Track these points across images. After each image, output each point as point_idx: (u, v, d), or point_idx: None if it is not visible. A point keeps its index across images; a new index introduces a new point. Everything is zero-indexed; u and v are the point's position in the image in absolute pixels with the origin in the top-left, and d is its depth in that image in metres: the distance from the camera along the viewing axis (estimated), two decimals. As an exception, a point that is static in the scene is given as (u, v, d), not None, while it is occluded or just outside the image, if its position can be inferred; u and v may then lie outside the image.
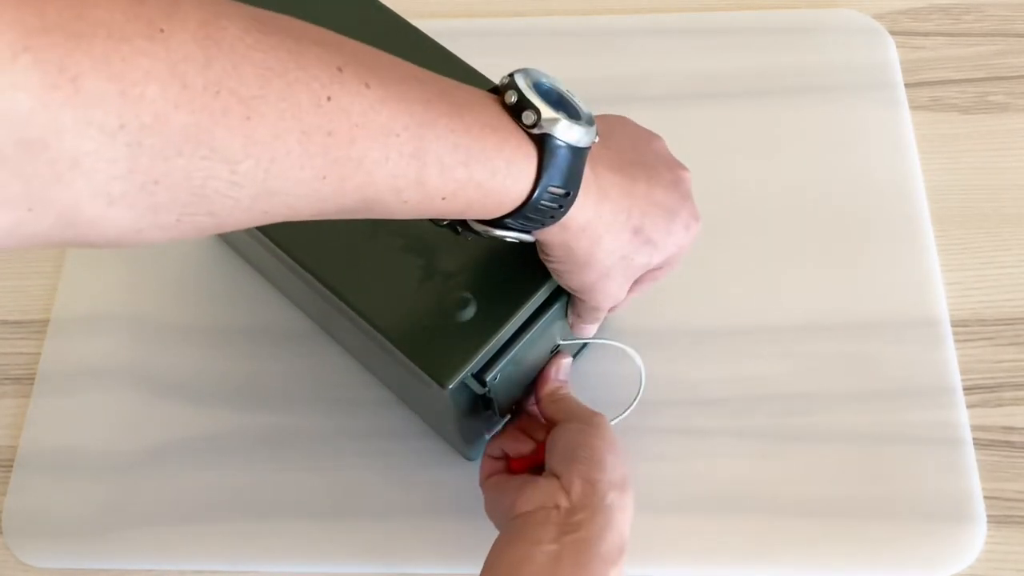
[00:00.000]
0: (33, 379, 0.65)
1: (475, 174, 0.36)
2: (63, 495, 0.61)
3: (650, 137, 0.48)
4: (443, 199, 0.36)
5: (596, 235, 0.43)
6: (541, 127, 0.38)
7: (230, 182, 0.29)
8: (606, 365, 0.62)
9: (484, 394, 0.50)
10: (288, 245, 0.50)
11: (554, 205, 0.39)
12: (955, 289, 0.64)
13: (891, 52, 0.73)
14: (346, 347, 0.63)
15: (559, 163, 0.38)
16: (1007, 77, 0.72)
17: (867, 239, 0.65)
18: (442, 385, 0.46)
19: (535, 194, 0.38)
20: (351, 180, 0.33)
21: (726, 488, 0.58)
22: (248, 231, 0.52)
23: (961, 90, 0.72)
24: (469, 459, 0.60)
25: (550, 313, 0.50)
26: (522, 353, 0.50)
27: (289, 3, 0.56)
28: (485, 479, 0.53)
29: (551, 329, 0.51)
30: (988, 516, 0.56)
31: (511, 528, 0.47)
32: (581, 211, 0.41)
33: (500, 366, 0.48)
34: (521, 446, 0.53)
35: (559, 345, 0.55)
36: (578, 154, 0.39)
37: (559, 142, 0.38)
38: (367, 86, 0.33)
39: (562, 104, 0.39)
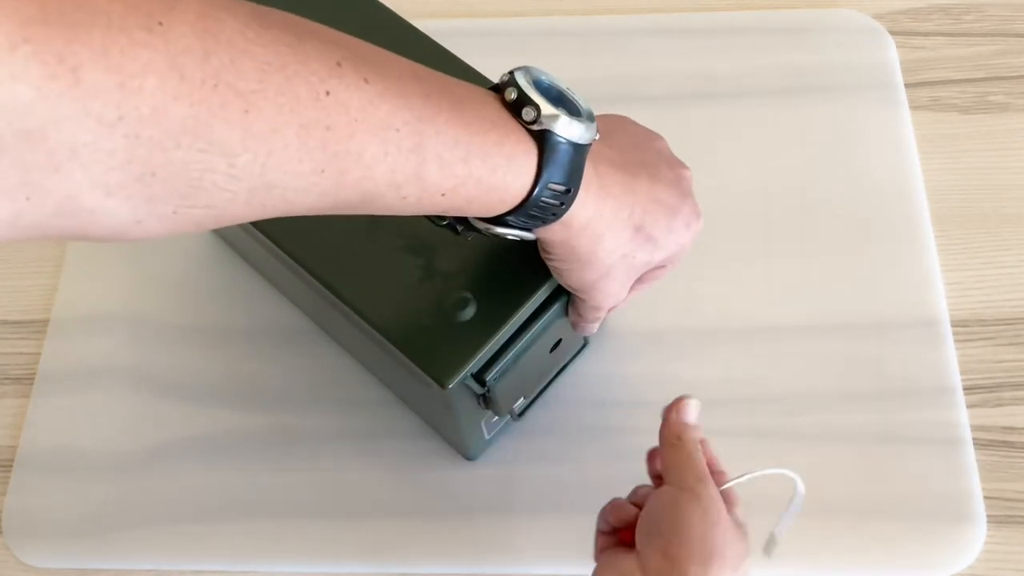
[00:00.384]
0: (33, 379, 0.65)
1: (475, 170, 0.36)
2: (63, 495, 0.61)
3: (652, 136, 0.48)
4: (443, 195, 0.36)
5: (597, 233, 0.42)
6: (541, 123, 0.38)
7: (228, 175, 0.30)
8: (607, 365, 0.62)
9: (484, 394, 0.50)
10: (288, 245, 0.50)
11: (555, 202, 0.39)
12: (955, 289, 0.64)
13: (891, 52, 0.73)
14: (346, 347, 0.63)
15: (560, 159, 0.38)
16: (1007, 77, 0.72)
17: (867, 239, 0.65)
18: (442, 385, 0.46)
19: (536, 191, 0.38)
20: (350, 174, 0.33)
21: (726, 488, 0.58)
22: (247, 230, 0.52)
23: (961, 90, 0.72)
24: (469, 459, 0.60)
25: (550, 313, 0.50)
26: (522, 353, 0.50)
27: (289, 2, 0.56)
28: (597, 555, 0.49)
29: (551, 329, 0.51)
30: (988, 516, 0.56)
31: None
32: (582, 209, 0.41)
33: (500, 366, 0.48)
34: (622, 513, 0.48)
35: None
36: (579, 150, 0.39)
37: (559, 138, 0.38)
38: (366, 81, 0.33)
39: (562, 101, 0.39)
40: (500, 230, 0.40)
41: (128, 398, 0.63)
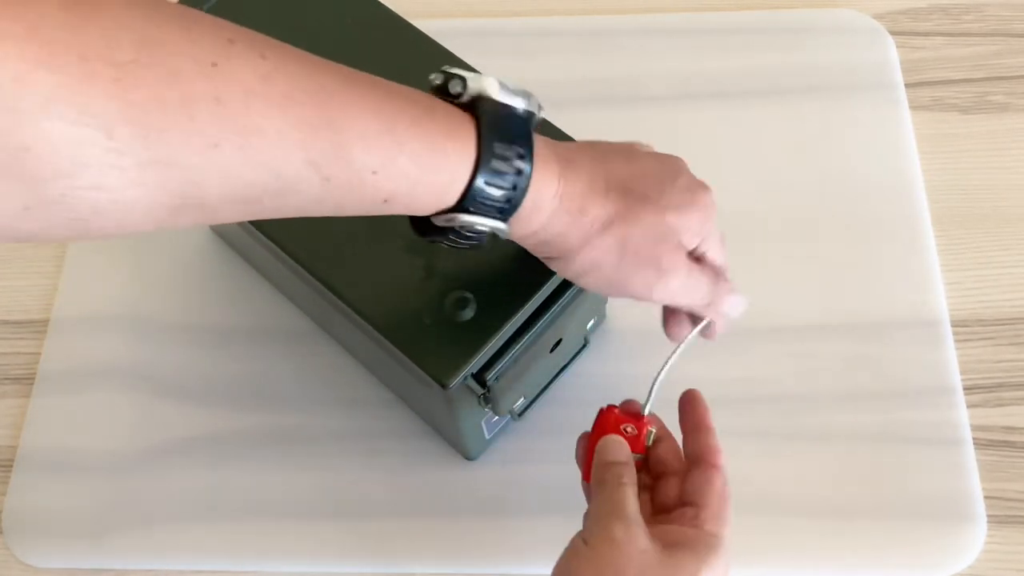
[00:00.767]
0: (33, 379, 0.65)
1: (405, 143, 0.34)
2: (63, 495, 0.61)
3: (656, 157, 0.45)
4: (374, 173, 0.34)
5: (576, 205, 0.39)
6: (470, 92, 0.36)
7: (107, 148, 0.28)
8: (607, 365, 0.62)
9: (484, 394, 0.50)
10: (289, 245, 0.50)
11: (510, 170, 0.37)
12: (955, 289, 0.64)
13: (891, 52, 0.73)
14: (346, 347, 0.63)
15: (499, 121, 0.36)
16: (1007, 77, 0.72)
17: (867, 239, 0.65)
18: (442, 385, 0.46)
19: (482, 156, 0.36)
20: (253, 150, 0.31)
21: (726, 488, 0.58)
22: (248, 230, 0.52)
23: (961, 90, 0.72)
24: (469, 459, 0.60)
25: (550, 313, 0.50)
26: (522, 353, 0.50)
27: (289, 2, 0.56)
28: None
29: (551, 329, 0.51)
30: (988, 516, 0.56)
31: None
32: (546, 181, 0.38)
33: (500, 366, 0.48)
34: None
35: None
36: (520, 117, 0.37)
37: (493, 100, 0.36)
38: (263, 57, 0.32)
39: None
40: (466, 218, 0.37)
41: (128, 398, 0.63)
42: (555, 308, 0.50)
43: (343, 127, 0.33)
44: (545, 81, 0.73)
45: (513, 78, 0.39)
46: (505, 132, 0.37)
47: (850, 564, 0.56)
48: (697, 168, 0.49)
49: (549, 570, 0.42)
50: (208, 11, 0.32)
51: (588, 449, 0.47)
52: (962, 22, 0.75)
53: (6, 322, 0.67)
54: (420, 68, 0.40)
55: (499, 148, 0.36)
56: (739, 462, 0.59)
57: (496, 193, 0.37)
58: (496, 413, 0.55)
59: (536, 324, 0.49)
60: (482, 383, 0.48)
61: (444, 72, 0.37)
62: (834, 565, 0.56)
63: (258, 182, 0.32)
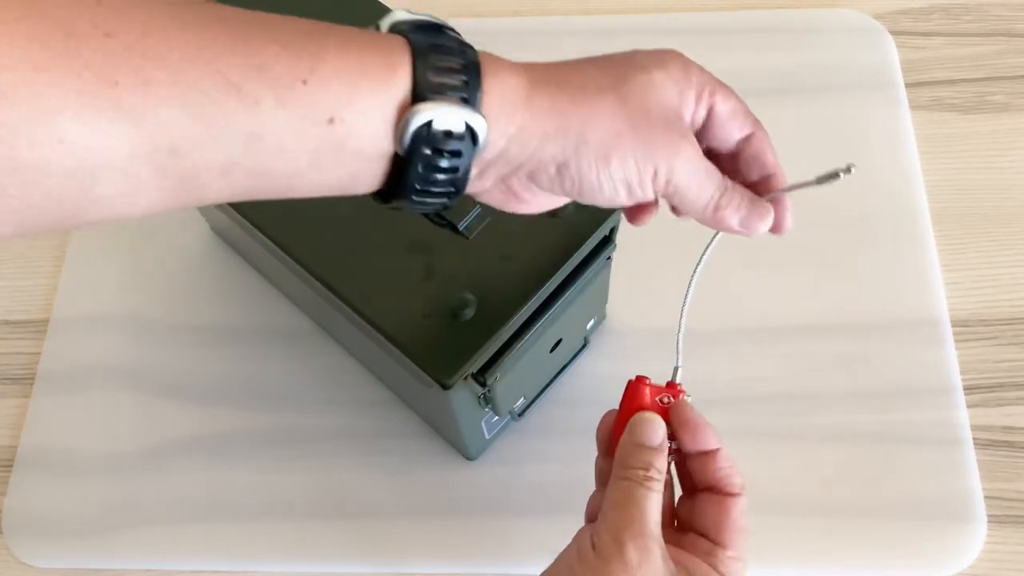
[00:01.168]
0: (33, 379, 0.65)
1: (328, 45, 0.31)
2: (63, 495, 0.61)
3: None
4: (304, 82, 0.30)
5: (554, 77, 0.35)
6: (390, 19, 0.33)
7: None
8: (607, 365, 0.62)
9: (484, 394, 0.50)
10: (289, 245, 0.50)
11: (452, 44, 0.33)
12: (955, 289, 0.64)
13: (891, 52, 0.73)
14: (346, 347, 0.63)
15: (435, 36, 0.33)
16: (1007, 77, 0.72)
17: (867, 239, 0.65)
18: (442, 385, 0.46)
19: (413, 39, 0.32)
20: (157, 83, 0.28)
21: (726, 488, 0.58)
22: (248, 230, 0.52)
23: (961, 90, 0.72)
24: (469, 459, 0.60)
25: (550, 313, 0.50)
26: (522, 353, 0.50)
27: (289, 2, 0.56)
28: None
29: (551, 329, 0.51)
30: (988, 516, 0.56)
31: None
32: (503, 65, 0.34)
33: (500, 366, 0.48)
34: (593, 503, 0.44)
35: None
36: (449, 32, 0.33)
37: (419, 18, 0.33)
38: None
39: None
40: (430, 109, 0.31)
41: (128, 398, 0.63)
42: (555, 308, 0.50)
43: (258, 39, 0.30)
44: (545, 81, 0.74)
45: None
46: (429, 25, 0.34)
47: (850, 564, 0.56)
48: (697, 168, 0.49)
49: (549, 570, 0.42)
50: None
51: (617, 424, 0.43)
52: (962, 22, 0.75)
53: (6, 322, 0.67)
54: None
55: (430, 33, 0.33)
56: (739, 462, 0.59)
57: (448, 62, 0.32)
58: (496, 413, 0.55)
59: (536, 324, 0.49)
60: (482, 383, 0.48)
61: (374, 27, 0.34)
62: (834, 565, 0.56)
63: (173, 123, 0.28)
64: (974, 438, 0.59)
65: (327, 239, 0.50)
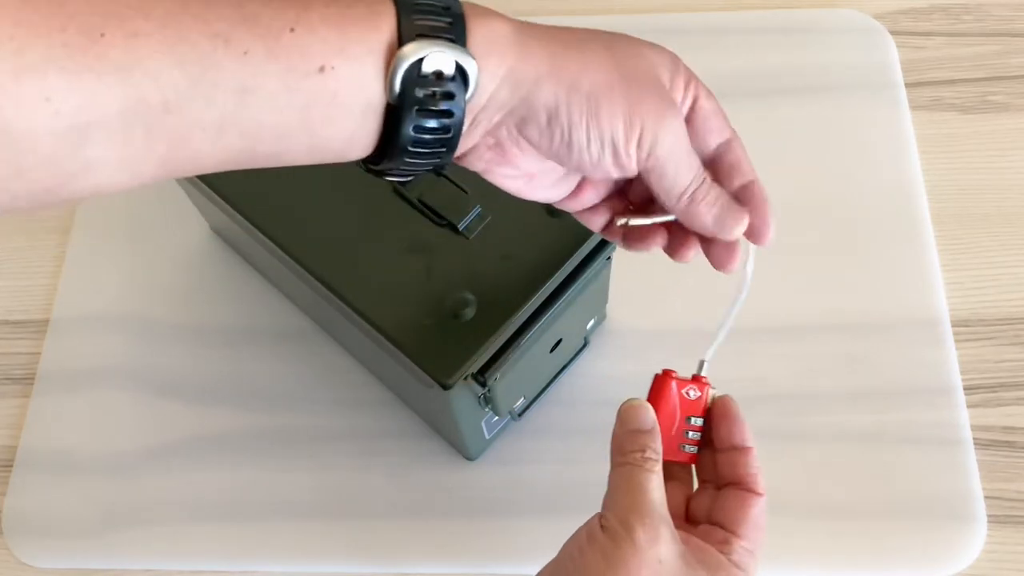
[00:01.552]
0: (33, 379, 0.65)
1: (316, 5, 0.30)
2: (63, 495, 0.61)
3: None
4: (292, 30, 0.30)
5: (541, 32, 0.35)
6: None
7: None
8: (607, 365, 0.62)
9: (484, 394, 0.50)
10: (289, 245, 0.50)
11: (439, 7, 0.32)
12: (955, 289, 0.64)
13: (891, 52, 0.73)
14: (346, 347, 0.63)
15: None
16: (1007, 77, 0.72)
17: (867, 239, 0.65)
18: (442, 385, 0.46)
19: (398, 1, 0.32)
20: (144, 35, 0.27)
21: (726, 488, 0.58)
22: (248, 230, 0.52)
23: (961, 90, 0.72)
24: (469, 459, 0.60)
25: (550, 313, 0.50)
26: (522, 353, 0.50)
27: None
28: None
29: (551, 329, 0.51)
30: (988, 516, 0.56)
31: None
32: (488, 14, 0.33)
33: (500, 366, 0.48)
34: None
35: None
36: None
37: None
38: None
39: None
40: (418, 48, 0.31)
41: (128, 398, 0.63)
42: (555, 308, 0.50)
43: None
44: (545, 81, 0.74)
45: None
46: None
47: (850, 564, 0.56)
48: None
49: (549, 570, 0.42)
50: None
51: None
52: (962, 22, 0.75)
53: (6, 322, 0.67)
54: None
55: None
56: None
57: (431, 6, 0.32)
58: (496, 413, 0.55)
59: (536, 324, 0.49)
60: (482, 383, 0.48)
61: None
62: (833, 565, 0.56)
63: (163, 77, 0.27)
64: (974, 438, 0.59)
65: (327, 239, 0.50)
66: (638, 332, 0.63)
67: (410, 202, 0.50)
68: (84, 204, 0.71)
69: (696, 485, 0.45)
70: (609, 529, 0.38)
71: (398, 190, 0.50)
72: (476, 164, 0.37)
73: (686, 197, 0.37)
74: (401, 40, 0.31)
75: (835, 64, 0.72)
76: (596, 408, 0.61)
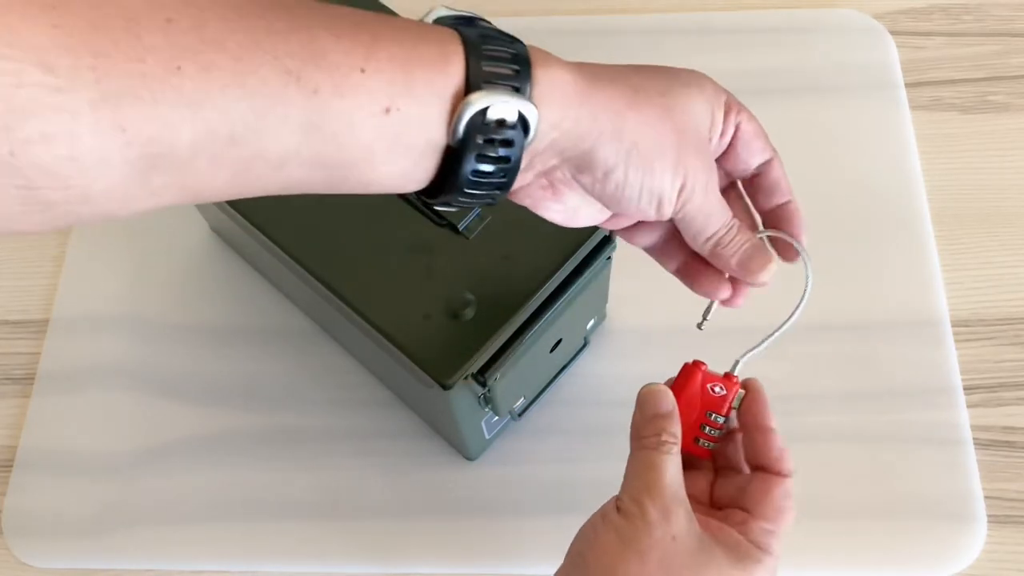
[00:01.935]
0: (33, 379, 0.65)
1: (381, 33, 0.31)
2: (63, 495, 0.61)
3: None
4: (362, 71, 0.30)
5: (599, 76, 0.35)
6: (434, 14, 0.34)
7: (51, 87, 0.25)
8: (607, 365, 0.62)
9: (484, 394, 0.50)
10: (289, 245, 0.50)
11: (501, 36, 0.33)
12: (955, 289, 0.64)
13: (891, 52, 0.73)
14: (346, 347, 0.63)
15: (484, 28, 0.33)
16: (1007, 77, 0.72)
17: (867, 239, 0.65)
18: (442, 385, 0.46)
19: (464, 32, 0.32)
20: (217, 68, 0.28)
21: (726, 488, 0.58)
22: (249, 230, 0.52)
23: (961, 90, 0.72)
24: (469, 459, 0.60)
25: (550, 313, 0.50)
26: (522, 353, 0.50)
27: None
28: None
29: (551, 329, 0.51)
30: (988, 516, 0.56)
31: None
32: (549, 58, 0.34)
33: (500, 366, 0.48)
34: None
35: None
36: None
37: (461, 12, 0.34)
38: None
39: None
40: (484, 98, 0.31)
41: (128, 398, 0.63)
42: (555, 308, 0.50)
43: (313, 27, 0.29)
44: (545, 81, 0.74)
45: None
46: (472, 18, 0.34)
47: (850, 564, 0.56)
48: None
49: (550, 570, 0.42)
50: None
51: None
52: (962, 22, 0.75)
53: (6, 322, 0.67)
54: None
55: (475, 26, 0.33)
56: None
57: (499, 53, 0.32)
58: (496, 413, 0.55)
59: (536, 324, 0.49)
60: (482, 383, 0.48)
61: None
62: (833, 565, 0.56)
63: (233, 110, 0.28)
64: (974, 438, 0.59)
65: (327, 239, 0.50)
66: (638, 332, 0.63)
67: (411, 202, 0.50)
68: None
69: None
70: (623, 509, 0.39)
71: (398, 190, 0.50)
72: (525, 200, 0.38)
73: (711, 243, 0.40)
74: (468, 87, 0.31)
75: (835, 64, 0.72)
76: (596, 408, 0.61)
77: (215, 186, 0.30)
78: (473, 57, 0.32)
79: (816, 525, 0.57)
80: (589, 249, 0.49)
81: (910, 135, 0.69)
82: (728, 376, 0.45)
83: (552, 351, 0.55)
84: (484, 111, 0.31)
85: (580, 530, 0.41)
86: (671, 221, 0.39)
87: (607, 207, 0.38)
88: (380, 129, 0.31)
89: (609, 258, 0.52)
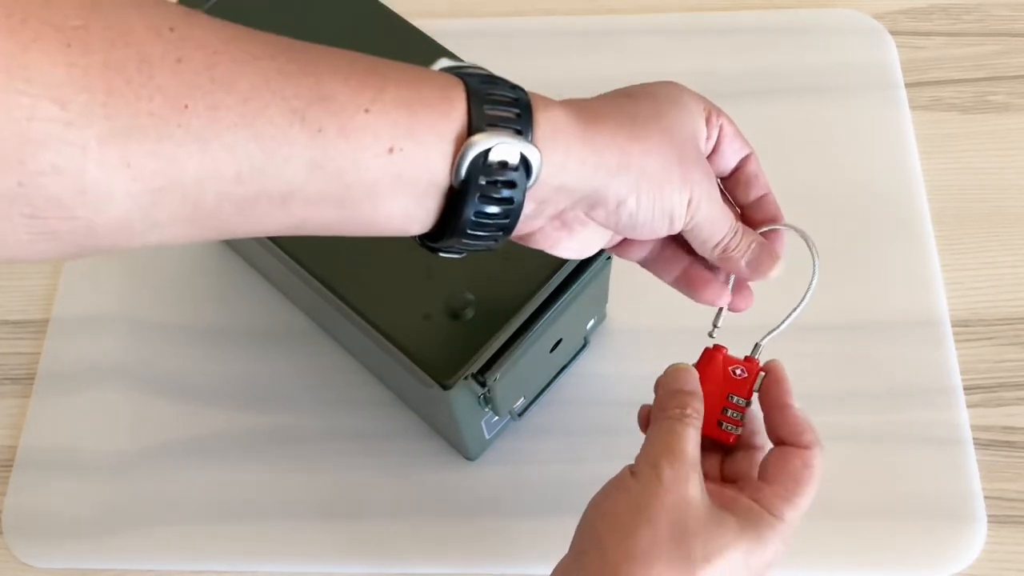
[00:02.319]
0: (33, 379, 0.65)
1: (389, 75, 0.32)
2: (63, 495, 0.61)
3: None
4: (367, 111, 0.31)
5: (609, 116, 0.36)
6: (438, 65, 0.35)
7: (64, 122, 0.26)
8: (607, 365, 0.62)
9: (484, 394, 0.50)
10: (289, 245, 0.50)
11: (503, 84, 0.34)
12: (955, 289, 0.64)
13: (891, 52, 0.73)
14: (346, 347, 0.63)
15: (486, 75, 0.34)
16: (1007, 77, 0.72)
17: (867, 239, 0.65)
18: (442, 385, 0.46)
19: (468, 80, 0.33)
20: (224, 108, 0.28)
21: (726, 488, 0.58)
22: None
23: (961, 90, 0.72)
24: (469, 459, 0.60)
25: (550, 313, 0.50)
26: (522, 353, 0.50)
27: (290, 3, 0.56)
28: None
29: (551, 329, 0.51)
30: (988, 516, 0.56)
31: None
32: (548, 103, 0.35)
33: (500, 366, 0.48)
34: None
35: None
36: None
37: (463, 63, 0.35)
38: (223, 25, 0.30)
39: None
40: (485, 140, 0.32)
41: (128, 398, 0.63)
42: (555, 308, 0.50)
43: (322, 71, 0.30)
44: (545, 81, 0.73)
45: (513, 78, 0.39)
46: (474, 68, 0.35)
47: (850, 564, 0.56)
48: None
49: (549, 570, 0.42)
50: (207, 11, 0.31)
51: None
52: (962, 22, 0.75)
53: (6, 322, 0.67)
54: (420, 68, 0.40)
55: (477, 74, 0.35)
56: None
57: (500, 98, 0.33)
58: (496, 413, 0.55)
59: (536, 324, 0.49)
60: (482, 383, 0.48)
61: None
62: (833, 565, 0.56)
63: (240, 148, 0.29)
64: (974, 438, 0.59)
65: (327, 239, 0.50)
66: (638, 332, 0.63)
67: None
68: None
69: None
70: (637, 473, 0.39)
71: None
72: (541, 243, 0.39)
73: (719, 248, 0.41)
74: (471, 129, 0.32)
75: (835, 64, 0.72)
76: (596, 408, 0.61)
77: (220, 223, 0.31)
78: (475, 101, 0.33)
79: (816, 525, 0.56)
80: (589, 249, 0.49)
81: (910, 135, 0.69)
82: (749, 359, 0.45)
83: (552, 351, 0.55)
84: (486, 153, 0.32)
85: (591, 501, 0.41)
86: None
87: (620, 234, 0.40)
88: (383, 169, 0.31)
89: (609, 258, 0.52)
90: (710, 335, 0.45)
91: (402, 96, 0.31)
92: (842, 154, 0.69)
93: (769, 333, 0.45)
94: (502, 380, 0.49)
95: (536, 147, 0.33)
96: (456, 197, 0.33)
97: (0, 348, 0.66)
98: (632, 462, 0.41)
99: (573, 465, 0.59)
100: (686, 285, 0.44)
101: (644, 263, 0.45)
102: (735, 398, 0.44)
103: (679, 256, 0.44)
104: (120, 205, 0.28)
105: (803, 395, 0.60)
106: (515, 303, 0.47)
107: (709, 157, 0.42)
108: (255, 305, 0.66)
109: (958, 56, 0.73)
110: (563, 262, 0.48)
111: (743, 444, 0.45)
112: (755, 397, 0.45)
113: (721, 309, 0.45)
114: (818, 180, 0.68)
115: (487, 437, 0.58)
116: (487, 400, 0.51)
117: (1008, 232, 0.66)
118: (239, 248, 0.67)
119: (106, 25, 0.27)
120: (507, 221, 0.34)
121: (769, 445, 0.43)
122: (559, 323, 0.51)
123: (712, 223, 0.40)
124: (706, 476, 0.41)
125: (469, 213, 0.33)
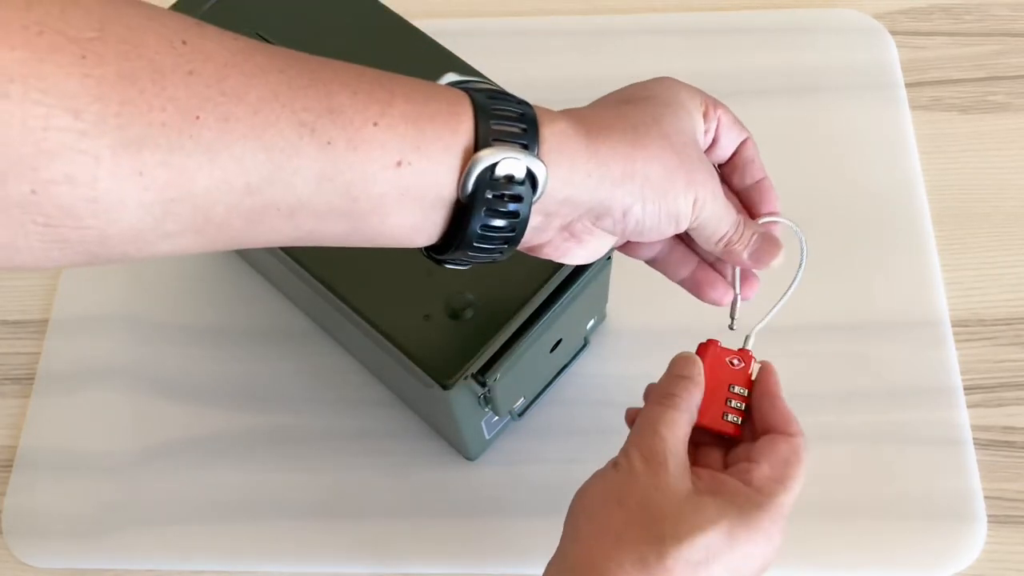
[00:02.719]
0: (33, 379, 0.65)
1: (396, 91, 0.32)
2: (63, 495, 0.61)
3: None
4: (375, 124, 0.31)
5: (611, 126, 0.36)
6: (445, 80, 0.36)
7: (77, 131, 0.26)
8: (607, 365, 0.62)
9: (484, 394, 0.50)
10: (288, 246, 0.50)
11: (510, 99, 0.34)
12: (955, 289, 0.64)
13: (891, 52, 0.73)
14: (346, 347, 0.63)
15: (492, 92, 0.35)
16: (1007, 77, 0.72)
17: (867, 239, 0.65)
18: (442, 385, 0.46)
19: (475, 96, 0.34)
20: (235, 119, 0.29)
21: (726, 488, 0.58)
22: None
23: (961, 90, 0.72)
24: (469, 459, 0.60)
25: (550, 313, 0.50)
26: (522, 353, 0.50)
27: (290, 3, 0.56)
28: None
29: (551, 329, 0.51)
30: (988, 516, 0.56)
31: None
32: (555, 117, 0.35)
33: (500, 366, 0.48)
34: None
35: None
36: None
37: (470, 78, 0.36)
38: (235, 38, 0.30)
39: None
40: (492, 155, 0.33)
41: (128, 398, 0.63)
42: (555, 308, 0.50)
43: (331, 84, 0.31)
44: (545, 81, 0.74)
45: (513, 78, 0.39)
46: (497, 95, 0.35)
47: (850, 564, 0.56)
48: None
49: (549, 570, 0.42)
50: (208, 11, 0.31)
51: None
52: (963, 22, 0.75)
53: (6, 322, 0.67)
54: (420, 68, 0.40)
55: (484, 89, 0.35)
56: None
57: (506, 113, 0.34)
58: (496, 413, 0.55)
59: (536, 324, 0.49)
60: (482, 383, 0.48)
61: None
62: (833, 565, 0.56)
63: (248, 158, 0.29)
64: (974, 438, 0.59)
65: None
66: (638, 332, 0.63)
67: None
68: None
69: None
70: (617, 462, 0.41)
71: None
72: (551, 254, 0.39)
73: (723, 242, 0.41)
74: (478, 144, 0.33)
75: (835, 64, 0.72)
76: (596, 408, 0.61)
77: (228, 235, 0.31)
78: (482, 116, 0.33)
79: (816, 525, 0.57)
80: (589, 249, 0.49)
81: (910, 135, 0.69)
82: (742, 350, 0.46)
83: (552, 351, 0.55)
84: (493, 167, 0.33)
85: (575, 493, 0.42)
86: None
87: (628, 239, 0.40)
88: (391, 182, 0.32)
89: (609, 258, 0.52)
90: (730, 327, 0.46)
91: (410, 110, 0.32)
92: (842, 154, 0.69)
93: (758, 323, 0.46)
94: (502, 380, 0.49)
95: (542, 161, 0.34)
96: (463, 211, 0.34)
97: (0, 348, 0.66)
98: None
99: (573, 465, 0.59)
100: (693, 285, 0.45)
101: (652, 262, 0.45)
102: (736, 388, 0.45)
103: (688, 257, 0.44)
104: (132, 215, 0.28)
105: (803, 395, 0.60)
106: (515, 303, 0.47)
107: (708, 149, 0.42)
108: (255, 305, 0.66)
109: (958, 56, 0.73)
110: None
111: (743, 436, 0.45)
112: None
113: (736, 300, 0.45)
114: (818, 180, 0.68)
115: (487, 437, 0.58)
116: (487, 400, 0.51)
117: (1008, 232, 0.66)
118: (239, 248, 0.67)
119: (120, 37, 0.27)
120: (513, 234, 0.35)
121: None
122: (559, 323, 0.51)
123: (717, 220, 0.40)
124: (709, 467, 0.42)
125: (475, 226, 0.34)
